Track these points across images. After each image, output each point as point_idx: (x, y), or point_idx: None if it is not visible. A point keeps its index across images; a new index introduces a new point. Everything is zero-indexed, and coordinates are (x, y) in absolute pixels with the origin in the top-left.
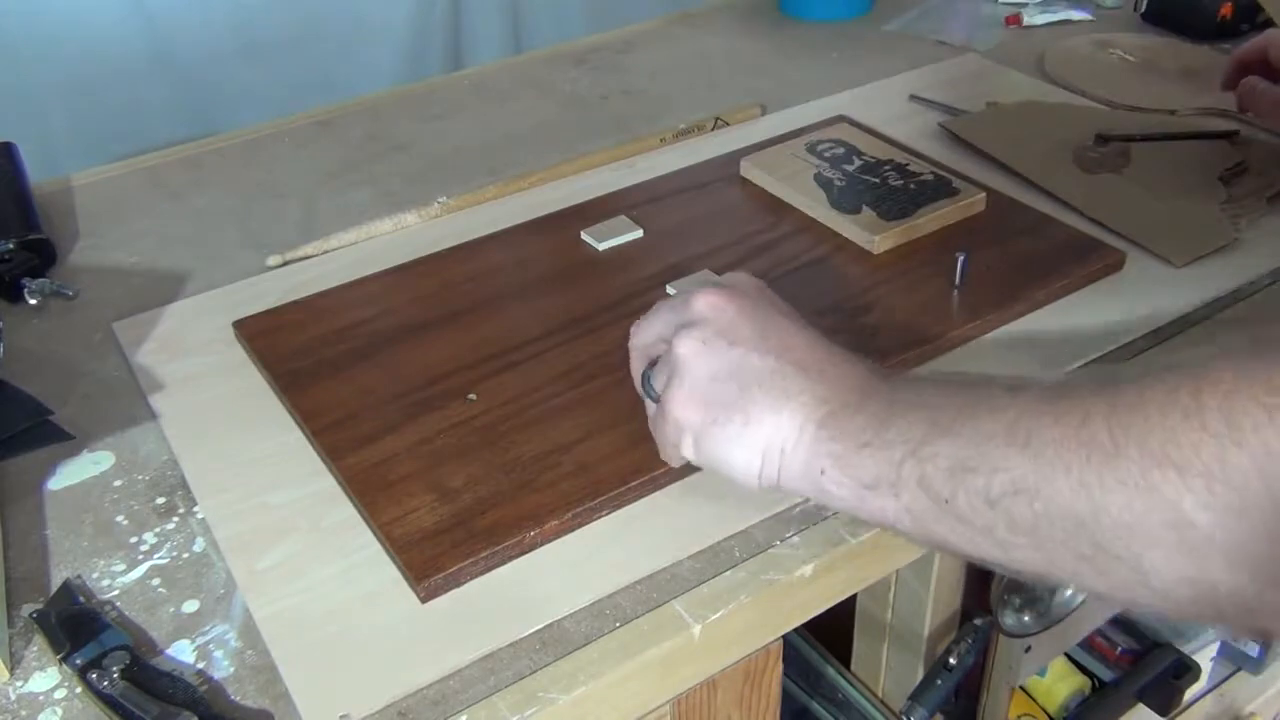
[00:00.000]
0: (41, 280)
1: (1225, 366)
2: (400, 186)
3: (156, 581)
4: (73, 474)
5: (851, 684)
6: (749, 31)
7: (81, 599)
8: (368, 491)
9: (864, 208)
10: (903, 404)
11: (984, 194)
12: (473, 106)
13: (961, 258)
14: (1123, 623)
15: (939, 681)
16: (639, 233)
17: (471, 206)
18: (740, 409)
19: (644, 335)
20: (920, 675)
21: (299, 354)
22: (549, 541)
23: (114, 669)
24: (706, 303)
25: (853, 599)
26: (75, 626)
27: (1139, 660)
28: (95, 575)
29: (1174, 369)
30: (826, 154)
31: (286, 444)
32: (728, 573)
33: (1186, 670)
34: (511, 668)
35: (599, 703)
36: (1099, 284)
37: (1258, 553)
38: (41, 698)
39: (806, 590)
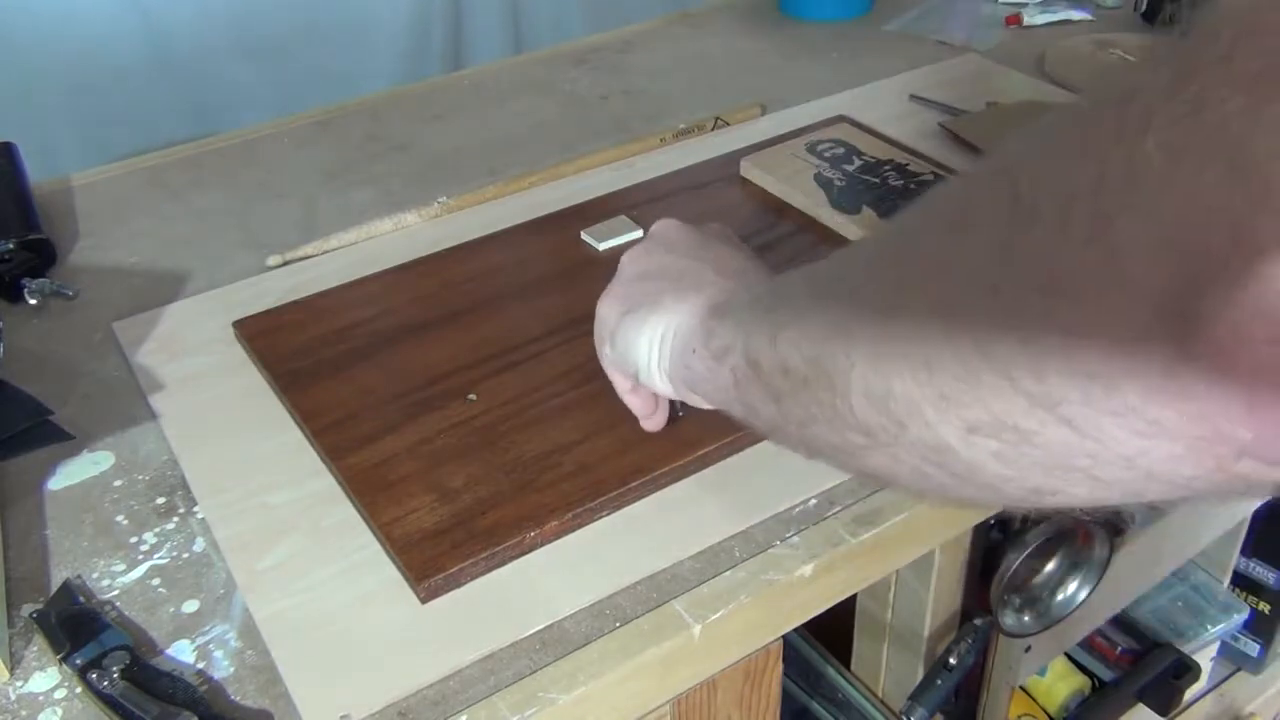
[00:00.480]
0: (41, 280)
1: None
2: (400, 186)
3: (156, 581)
4: (73, 474)
5: (851, 684)
6: (749, 31)
7: (81, 599)
8: (368, 491)
9: (864, 208)
10: (782, 284)
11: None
12: (473, 106)
13: None
14: (1123, 623)
15: (939, 681)
16: (639, 233)
17: (471, 206)
18: (653, 299)
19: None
20: (920, 675)
21: (299, 354)
22: (549, 541)
23: (114, 669)
24: (660, 223)
25: (853, 599)
26: (75, 626)
27: (1139, 660)
28: (95, 575)
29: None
30: (826, 154)
31: (286, 444)
32: (728, 573)
33: (1186, 670)
34: (511, 668)
35: (599, 703)
36: None
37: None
38: (41, 698)
39: (806, 590)
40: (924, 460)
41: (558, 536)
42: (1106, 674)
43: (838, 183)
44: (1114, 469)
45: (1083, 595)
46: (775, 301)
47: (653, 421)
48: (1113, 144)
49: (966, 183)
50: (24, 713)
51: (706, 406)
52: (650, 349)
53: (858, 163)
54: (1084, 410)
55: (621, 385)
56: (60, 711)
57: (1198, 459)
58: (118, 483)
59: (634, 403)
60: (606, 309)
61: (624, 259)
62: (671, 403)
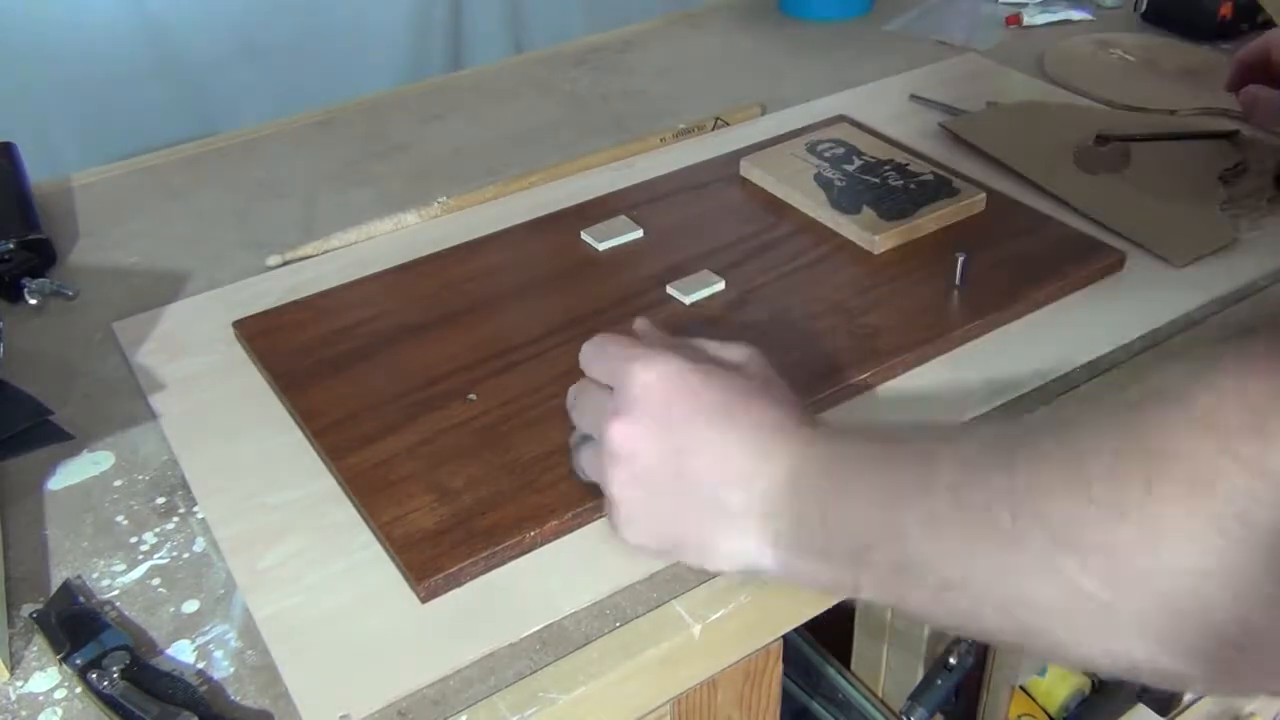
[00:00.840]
0: (41, 280)
1: (1109, 428)
2: (400, 186)
3: (156, 581)
4: (73, 474)
5: (851, 684)
6: (749, 31)
7: (81, 599)
8: (368, 491)
9: (864, 208)
10: (837, 494)
11: (984, 194)
12: (473, 106)
13: (962, 258)
14: None
15: (939, 681)
16: (639, 233)
17: (471, 206)
18: (678, 544)
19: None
20: (920, 675)
21: (299, 354)
22: (549, 541)
23: (114, 669)
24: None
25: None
26: (75, 626)
27: None
28: (95, 575)
29: (1064, 427)
30: (826, 154)
31: (286, 444)
32: None
33: None
34: (511, 668)
35: (599, 703)
36: (1099, 284)
37: (1160, 624)
38: (41, 698)
39: (807, 590)
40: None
41: (558, 536)
42: None
43: (838, 183)
44: None
45: None
46: (869, 534)
47: None
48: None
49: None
50: (24, 713)
51: None
52: (737, 542)
53: (858, 163)
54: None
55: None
56: (60, 711)
57: None
58: (118, 483)
59: None
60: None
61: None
62: None
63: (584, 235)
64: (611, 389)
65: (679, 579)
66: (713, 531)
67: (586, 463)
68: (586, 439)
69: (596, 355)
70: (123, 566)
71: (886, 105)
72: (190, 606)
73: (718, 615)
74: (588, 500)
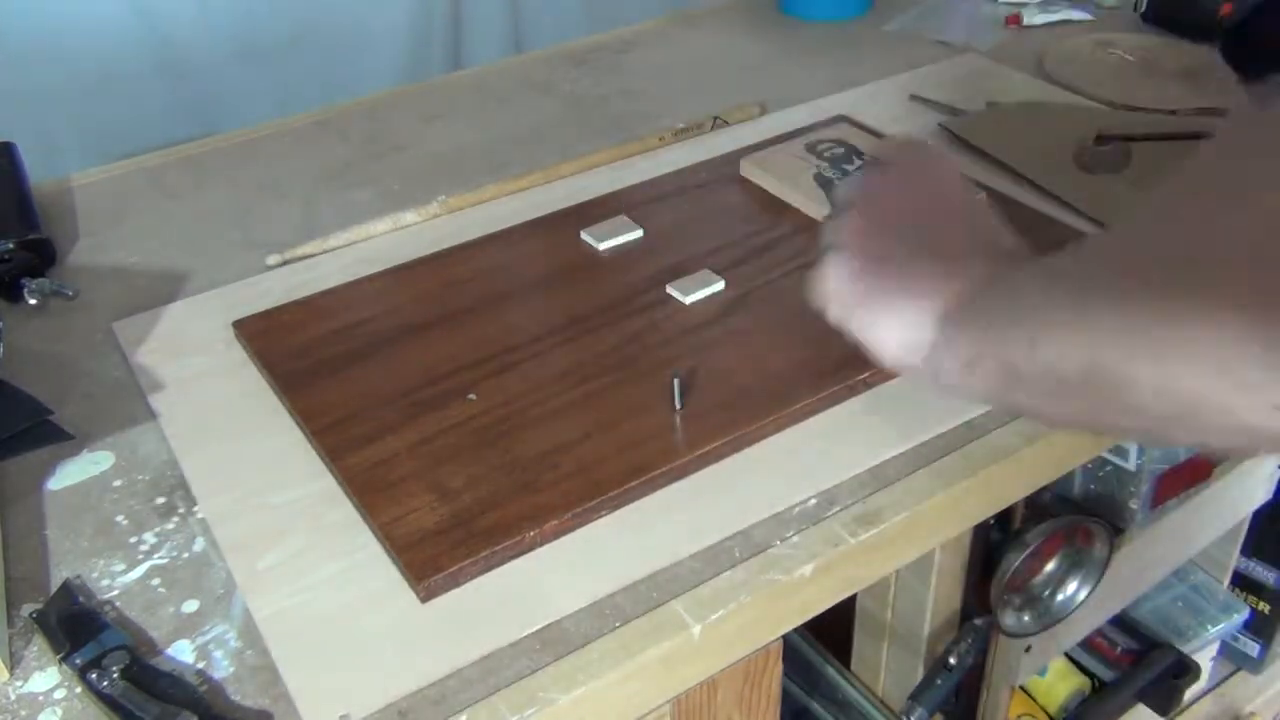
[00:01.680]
0: (41, 280)
1: None
2: (400, 186)
3: (156, 581)
4: (73, 474)
5: (851, 684)
6: (749, 31)
7: (81, 599)
8: (368, 491)
9: None
10: (1022, 286)
11: (984, 194)
12: (473, 106)
13: None
14: (1123, 623)
15: (939, 681)
16: (639, 233)
17: (471, 206)
18: (884, 294)
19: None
20: (920, 675)
21: (299, 354)
22: (549, 541)
23: (114, 669)
24: (899, 162)
25: (853, 599)
26: (75, 626)
27: (1139, 660)
28: (95, 575)
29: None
30: (826, 154)
31: (286, 444)
32: (728, 573)
33: (1186, 670)
34: (511, 668)
35: (599, 703)
36: None
37: None
38: (41, 698)
39: (806, 590)
40: (1223, 432)
41: (558, 536)
42: (1106, 674)
43: (838, 182)
44: None
45: (1083, 595)
46: (1018, 311)
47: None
48: None
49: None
50: (24, 713)
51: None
52: (898, 339)
53: (858, 163)
54: None
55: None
56: (60, 711)
57: None
58: (118, 482)
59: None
60: (840, 280)
61: (856, 211)
62: (672, 397)
63: (584, 235)
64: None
65: (679, 579)
66: (899, 294)
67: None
68: None
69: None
70: (122, 566)
71: (886, 105)
72: (190, 606)
73: (718, 615)
74: (587, 500)
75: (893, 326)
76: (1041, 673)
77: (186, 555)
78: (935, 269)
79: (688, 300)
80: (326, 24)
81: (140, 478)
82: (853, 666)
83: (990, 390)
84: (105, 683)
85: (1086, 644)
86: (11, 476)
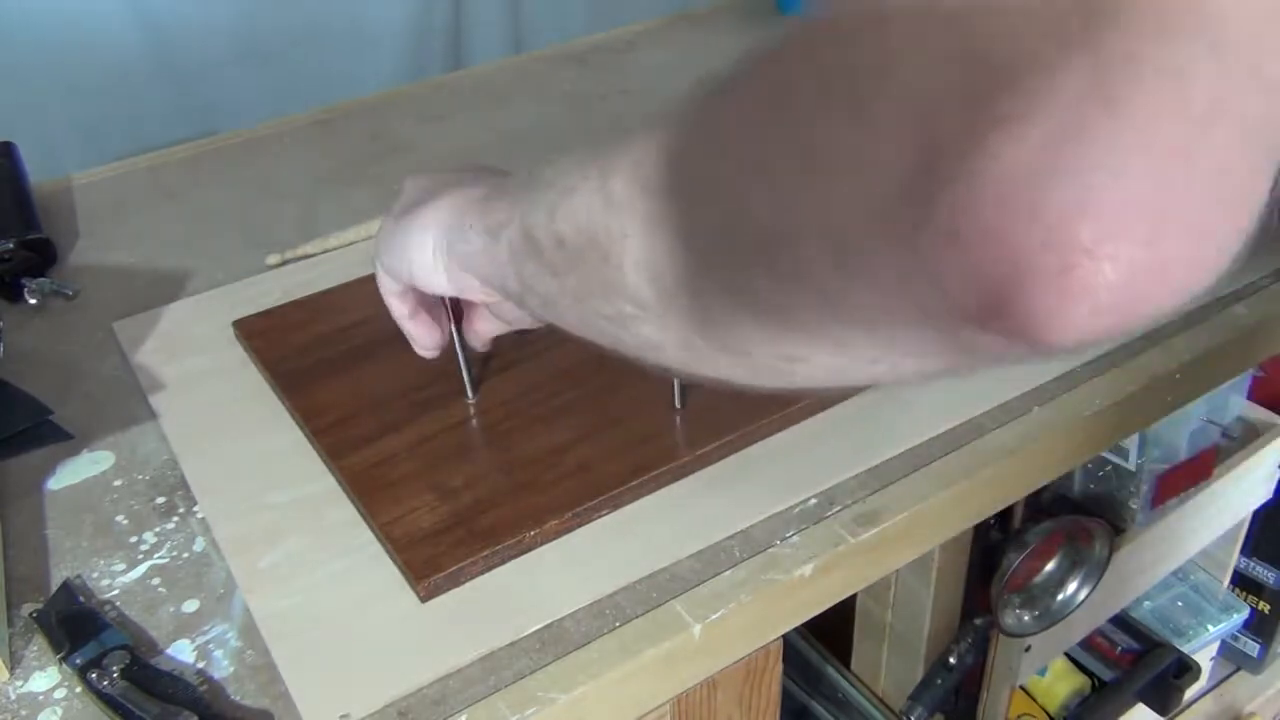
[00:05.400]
0: (41, 280)
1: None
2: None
3: (156, 581)
4: (73, 474)
5: (851, 684)
6: (749, 31)
7: (81, 599)
8: (368, 491)
9: None
10: (560, 163)
11: None
12: (473, 106)
13: None
14: (1123, 623)
15: (939, 681)
16: None
17: None
18: (429, 195)
19: None
20: (920, 675)
21: (299, 354)
22: (549, 541)
23: (114, 669)
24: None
25: (853, 599)
26: (75, 626)
27: (1139, 660)
28: (95, 575)
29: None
30: None
31: (286, 444)
32: (728, 572)
33: (1186, 670)
34: (511, 668)
35: (599, 703)
36: None
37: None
38: (41, 698)
39: (806, 590)
40: (688, 328)
41: (557, 536)
42: (1106, 674)
43: None
44: (857, 334)
45: (1083, 595)
46: (555, 177)
47: (430, 345)
48: (869, 31)
49: (749, 69)
50: (24, 712)
51: (479, 297)
52: (423, 237)
53: None
54: (835, 276)
55: (399, 310)
56: (60, 711)
57: (935, 333)
58: (118, 482)
59: (412, 330)
60: (382, 222)
61: (405, 181)
62: (673, 392)
63: None
64: None
65: (679, 579)
66: (447, 190)
67: None
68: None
69: None
70: (122, 566)
71: None
72: (190, 606)
73: (718, 615)
74: (587, 500)
75: (395, 251)
76: (1041, 673)
77: (186, 555)
78: (480, 176)
79: None
80: (326, 24)
81: (140, 477)
82: (853, 666)
83: (505, 259)
84: (105, 682)
85: (1086, 644)
86: (11, 476)
